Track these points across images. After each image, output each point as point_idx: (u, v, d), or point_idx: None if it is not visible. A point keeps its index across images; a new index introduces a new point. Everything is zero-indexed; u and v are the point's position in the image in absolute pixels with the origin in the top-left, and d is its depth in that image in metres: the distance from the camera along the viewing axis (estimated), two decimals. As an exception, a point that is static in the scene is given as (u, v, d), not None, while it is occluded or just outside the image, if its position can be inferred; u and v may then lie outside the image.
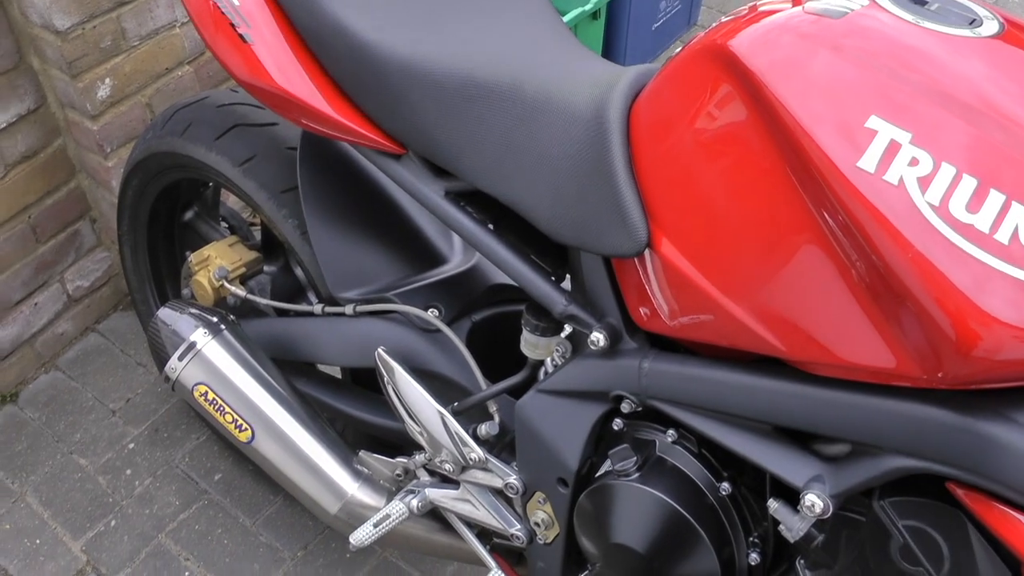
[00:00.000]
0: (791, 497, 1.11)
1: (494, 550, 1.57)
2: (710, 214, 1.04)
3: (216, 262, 1.80)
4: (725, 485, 1.20)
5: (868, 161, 0.87)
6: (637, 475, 1.23)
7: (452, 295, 1.55)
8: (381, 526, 1.47)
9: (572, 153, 1.15)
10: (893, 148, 0.88)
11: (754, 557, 1.20)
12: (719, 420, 1.14)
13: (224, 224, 2.09)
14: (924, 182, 0.86)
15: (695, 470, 1.22)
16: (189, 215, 2.07)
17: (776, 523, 1.14)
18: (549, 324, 1.32)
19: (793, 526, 1.11)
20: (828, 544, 1.11)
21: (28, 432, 2.35)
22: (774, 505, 1.12)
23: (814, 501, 1.04)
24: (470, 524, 1.54)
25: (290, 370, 1.76)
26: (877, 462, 1.00)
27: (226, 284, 1.77)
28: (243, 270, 1.80)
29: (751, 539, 1.21)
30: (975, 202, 0.85)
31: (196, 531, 2.12)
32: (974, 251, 0.84)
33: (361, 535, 1.46)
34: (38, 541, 2.14)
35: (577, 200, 1.15)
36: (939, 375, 0.90)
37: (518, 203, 1.23)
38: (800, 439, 1.10)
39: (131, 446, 2.29)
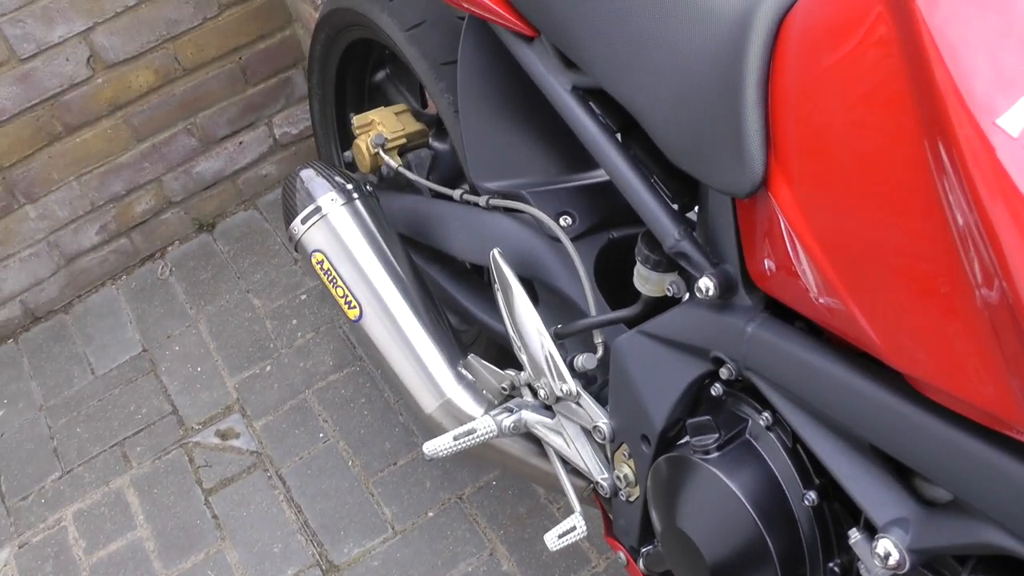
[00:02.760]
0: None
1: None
2: (831, 164, 0.82)
3: (377, 128, 1.70)
4: (812, 495, 0.99)
5: (1014, 119, 0.62)
6: (716, 455, 1.04)
7: (592, 204, 1.38)
8: (462, 440, 1.35)
9: (704, 54, 0.97)
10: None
11: (828, 587, 0.99)
12: (814, 417, 0.93)
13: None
14: None
15: (782, 468, 1.01)
16: (380, 76, 1.98)
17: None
18: (662, 258, 1.13)
19: (872, 568, 0.89)
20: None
21: (215, 263, 2.41)
22: (855, 536, 0.91)
23: (888, 550, 0.83)
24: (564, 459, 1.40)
25: (428, 256, 1.66)
26: (972, 527, 0.77)
27: (381, 153, 1.68)
28: (403, 141, 1.70)
29: (830, 566, 1.00)
30: None
31: (341, 395, 2.11)
32: None
33: (436, 445, 1.35)
34: (199, 369, 2.21)
35: (697, 112, 0.96)
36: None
37: (638, 108, 1.05)
38: (902, 471, 0.87)
39: (303, 297, 2.30)
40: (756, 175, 0.88)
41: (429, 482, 1.95)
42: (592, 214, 1.37)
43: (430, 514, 1.91)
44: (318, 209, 1.50)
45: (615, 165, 1.12)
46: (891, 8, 0.72)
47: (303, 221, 1.50)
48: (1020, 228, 0.61)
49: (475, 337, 1.81)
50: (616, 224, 1.37)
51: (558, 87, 1.17)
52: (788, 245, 0.89)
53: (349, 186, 1.53)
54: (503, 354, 1.56)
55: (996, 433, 0.73)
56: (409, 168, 1.70)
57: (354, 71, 1.97)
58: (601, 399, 1.27)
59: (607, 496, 1.29)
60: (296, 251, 1.55)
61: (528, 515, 1.89)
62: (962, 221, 0.66)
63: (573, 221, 1.36)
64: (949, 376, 0.72)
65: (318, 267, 1.50)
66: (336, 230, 1.49)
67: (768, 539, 0.99)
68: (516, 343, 1.32)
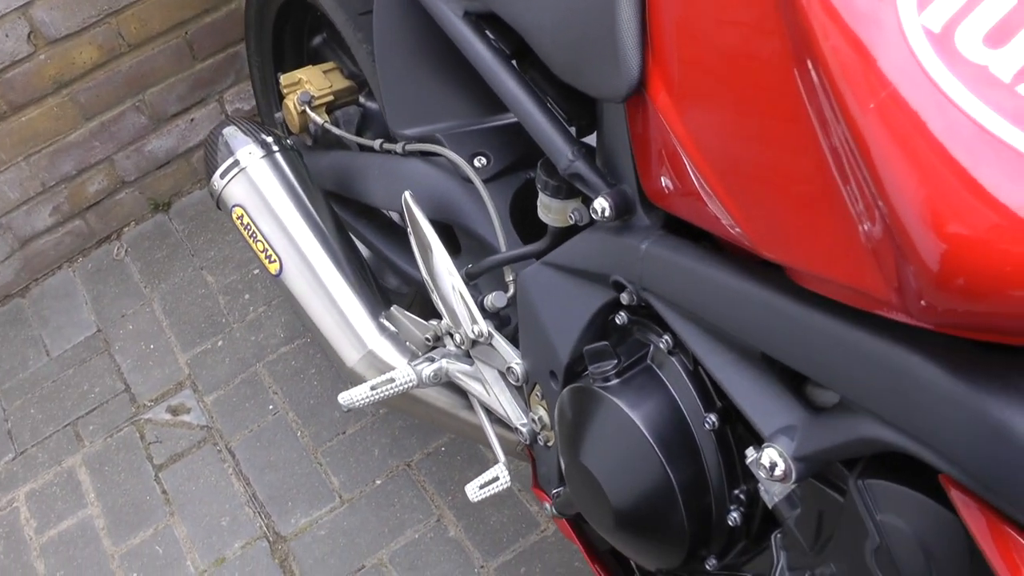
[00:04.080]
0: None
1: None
2: (706, 62, 0.79)
3: (304, 86, 1.67)
4: (712, 418, 0.94)
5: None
6: (615, 383, 1.00)
7: (507, 144, 1.34)
8: (380, 389, 1.32)
9: None
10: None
11: (734, 517, 0.95)
12: (707, 332, 0.89)
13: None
14: None
15: (683, 392, 0.97)
16: (318, 40, 1.94)
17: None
18: (561, 183, 1.09)
19: (769, 488, 0.85)
20: (802, 523, 0.85)
21: (170, 242, 2.38)
22: (752, 455, 0.86)
23: (774, 459, 0.79)
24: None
25: (357, 212, 1.62)
26: (852, 424, 0.73)
27: (308, 110, 1.64)
28: (331, 98, 1.67)
29: (735, 493, 0.95)
30: (999, 32, 0.55)
31: (291, 367, 2.08)
32: (978, 108, 0.55)
33: (353, 396, 1.31)
34: (152, 346, 2.18)
35: (577, 20, 0.93)
36: (921, 303, 0.61)
37: (525, 26, 1.01)
38: (796, 381, 0.83)
39: (255, 271, 2.26)
40: (632, 75, 0.84)
41: (378, 450, 1.91)
42: (507, 154, 1.33)
43: (378, 482, 1.87)
44: (236, 163, 1.46)
45: (508, 90, 1.08)
46: None
47: (222, 176, 1.47)
48: (863, 79, 0.57)
49: (411, 300, 1.77)
50: (533, 164, 1.33)
51: (450, 14, 1.14)
52: (673, 153, 0.85)
53: (268, 139, 1.49)
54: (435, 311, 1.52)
55: (872, 317, 0.69)
56: (337, 125, 1.66)
57: (291, 36, 1.93)
58: (516, 341, 1.23)
59: (527, 443, 1.26)
60: (218, 207, 1.52)
61: (477, 480, 1.84)
62: (814, 89, 0.63)
63: (488, 162, 1.32)
64: (818, 258, 0.69)
65: (238, 222, 1.46)
66: (255, 183, 1.46)
67: (668, 469, 0.95)
68: (430, 287, 1.28)
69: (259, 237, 1.44)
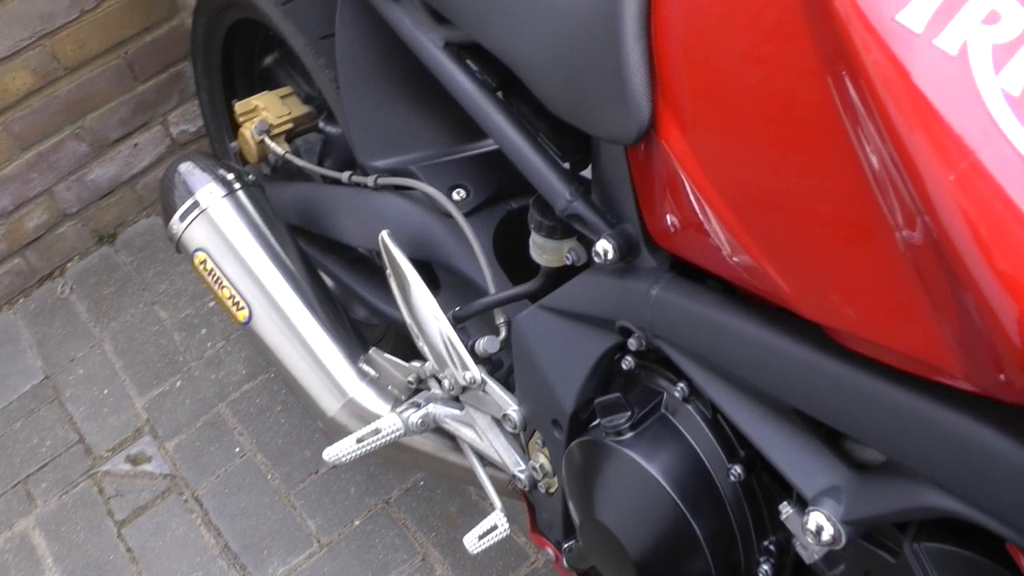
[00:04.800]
0: (812, 503, 0.79)
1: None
2: (725, 102, 0.72)
3: (261, 114, 1.58)
4: (737, 469, 0.88)
5: (914, 13, 0.52)
6: (630, 436, 0.93)
7: (487, 174, 1.27)
8: (367, 441, 1.24)
9: None
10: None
11: (765, 570, 0.89)
12: (732, 384, 0.83)
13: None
14: (1002, 54, 0.51)
15: (703, 442, 0.90)
16: (269, 60, 1.85)
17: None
18: (556, 223, 1.02)
19: (807, 545, 0.79)
20: (849, 581, 0.79)
21: (118, 276, 2.27)
22: (787, 511, 0.81)
23: (821, 524, 0.72)
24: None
25: (324, 247, 1.54)
26: (910, 490, 0.67)
27: (267, 140, 1.55)
28: (289, 126, 1.58)
29: (765, 544, 0.90)
30: None
31: (256, 405, 1.98)
32: None
33: (338, 451, 1.23)
34: (106, 391, 2.07)
35: (575, 55, 0.86)
36: (1000, 378, 0.55)
37: (514, 58, 0.94)
38: (830, 435, 0.77)
39: (211, 304, 2.16)
40: (642, 118, 0.78)
41: (353, 488, 1.83)
42: (487, 185, 1.26)
43: (356, 522, 1.79)
44: (196, 204, 1.37)
45: (497, 126, 1.01)
46: None
47: (181, 218, 1.38)
48: (938, 149, 0.50)
49: (383, 333, 1.69)
50: (515, 194, 1.26)
51: (430, 45, 1.06)
52: (686, 196, 0.79)
53: (229, 176, 1.40)
54: (413, 348, 1.44)
55: (927, 382, 0.63)
56: (298, 154, 1.58)
57: (240, 56, 1.84)
58: (509, 385, 1.16)
59: (526, 489, 1.19)
60: (179, 252, 1.42)
61: (459, 514, 1.77)
62: (873, 151, 0.56)
63: (467, 194, 1.25)
64: (870, 323, 0.62)
65: (201, 267, 1.37)
66: (217, 225, 1.37)
67: (694, 523, 0.89)
68: (414, 331, 1.20)
69: (225, 283, 1.34)
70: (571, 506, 1.05)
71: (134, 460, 1.95)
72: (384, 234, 1.19)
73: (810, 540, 0.74)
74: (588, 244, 1.03)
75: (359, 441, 1.24)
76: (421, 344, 1.20)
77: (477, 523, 1.73)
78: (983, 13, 0.51)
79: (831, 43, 0.56)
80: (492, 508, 1.25)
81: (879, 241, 0.59)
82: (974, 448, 0.60)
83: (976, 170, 0.49)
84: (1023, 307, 0.51)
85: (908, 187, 0.54)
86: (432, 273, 1.33)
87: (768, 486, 0.89)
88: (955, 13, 0.51)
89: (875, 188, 0.57)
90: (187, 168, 1.41)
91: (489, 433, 1.20)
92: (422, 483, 1.82)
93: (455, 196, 1.25)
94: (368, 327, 1.72)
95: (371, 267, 1.56)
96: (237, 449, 1.92)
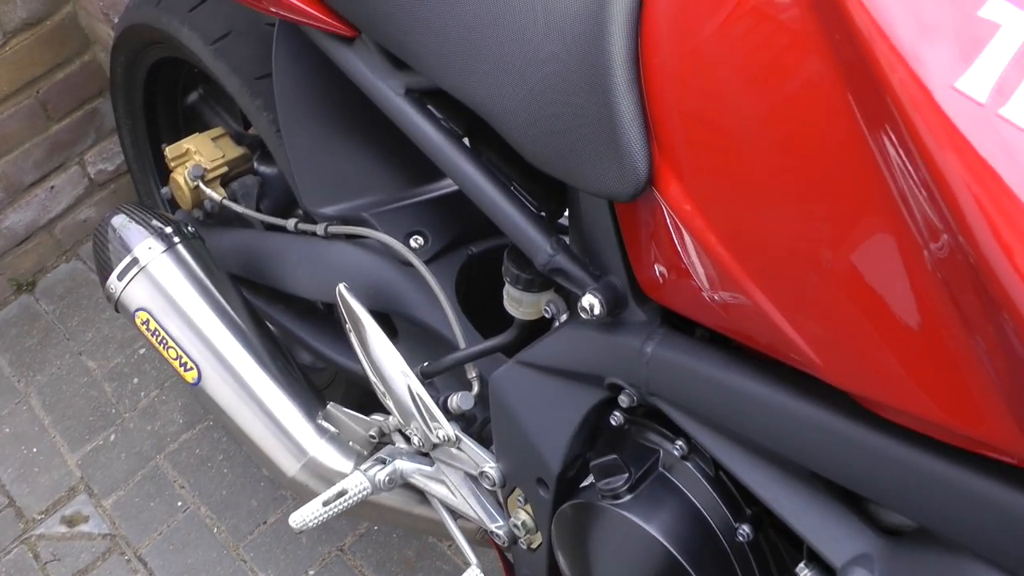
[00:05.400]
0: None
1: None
2: (732, 150, 0.68)
3: (194, 158, 1.50)
4: (745, 528, 0.85)
5: (976, 80, 0.49)
6: (628, 498, 0.89)
7: (444, 219, 1.22)
8: (334, 504, 1.18)
9: (557, 33, 0.81)
10: (1024, 57, 0.50)
11: (776, 631, 0.86)
12: (736, 443, 0.79)
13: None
14: None
15: (707, 502, 0.87)
16: (193, 97, 1.77)
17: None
18: (534, 276, 0.98)
19: (832, 607, 0.76)
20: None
21: (40, 326, 2.16)
22: (805, 574, 0.77)
23: (855, 597, 0.69)
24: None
25: (268, 297, 1.47)
26: (953, 563, 0.64)
27: (201, 186, 1.48)
28: (224, 169, 1.51)
29: (777, 604, 0.87)
30: None
31: (197, 455, 1.90)
32: None
33: (304, 516, 1.17)
34: (35, 450, 1.96)
35: (557, 105, 0.81)
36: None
37: (485, 106, 0.89)
38: (849, 495, 0.74)
39: (142, 351, 2.07)
40: (640, 174, 0.73)
41: (305, 537, 1.76)
42: (446, 230, 1.21)
43: (311, 573, 1.72)
44: (135, 261, 1.29)
45: (466, 176, 0.96)
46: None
47: (120, 276, 1.30)
48: (1015, 237, 0.47)
49: (331, 378, 1.63)
50: (474, 237, 1.22)
51: (388, 92, 1.01)
52: (687, 251, 0.75)
53: (168, 229, 1.32)
54: (368, 395, 1.38)
55: (972, 454, 0.60)
56: (235, 199, 1.51)
57: (163, 95, 1.76)
58: (484, 439, 1.12)
59: (504, 545, 1.14)
60: (117, 312, 1.34)
61: (417, 558, 1.72)
62: (909, 187, 0.53)
63: (425, 241, 1.20)
64: (912, 395, 0.59)
65: (144, 328, 1.29)
66: (159, 282, 1.29)
67: None
68: (379, 388, 1.15)
69: (170, 344, 1.27)
70: (563, 567, 1.01)
71: (70, 521, 1.84)
72: (342, 287, 1.13)
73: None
74: (567, 295, 0.99)
75: (325, 504, 1.18)
76: (387, 401, 1.15)
77: (437, 565, 1.71)
78: None
79: (876, 105, 0.53)
80: (467, 564, 1.20)
81: (930, 311, 0.56)
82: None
83: None
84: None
85: (961, 243, 0.50)
86: (389, 322, 1.27)
87: (775, 543, 0.86)
88: (1022, 80, 0.48)
89: (928, 261, 0.54)
90: (121, 222, 1.33)
91: (463, 489, 1.16)
92: (376, 528, 1.77)
93: (413, 243, 1.20)
94: (314, 371, 1.65)
95: (318, 314, 1.50)
96: (179, 503, 1.83)
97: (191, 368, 1.27)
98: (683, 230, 0.73)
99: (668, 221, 0.75)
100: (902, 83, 0.51)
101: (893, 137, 0.53)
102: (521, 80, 0.84)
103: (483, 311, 1.17)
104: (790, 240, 0.65)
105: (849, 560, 0.72)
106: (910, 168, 0.52)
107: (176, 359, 1.28)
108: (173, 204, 1.63)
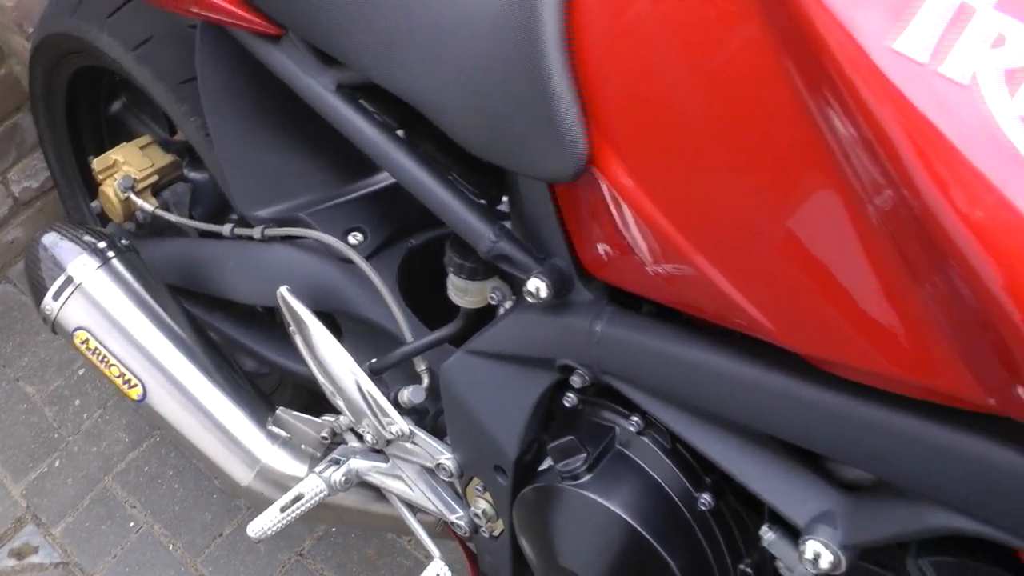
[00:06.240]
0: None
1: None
2: (672, 124, 0.68)
3: (123, 169, 1.47)
4: (706, 497, 0.86)
5: (913, 40, 0.50)
6: (588, 478, 0.89)
7: (382, 213, 1.21)
8: (291, 509, 1.16)
9: (487, 18, 0.81)
10: (961, 17, 0.50)
11: (745, 594, 0.87)
12: (692, 414, 0.80)
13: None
14: (1015, 78, 0.49)
15: (666, 474, 0.88)
16: (116, 107, 1.74)
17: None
18: (478, 264, 0.97)
19: (795, 568, 0.77)
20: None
21: (-28, 354, 2.10)
22: (770, 536, 0.79)
23: (818, 552, 0.70)
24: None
25: (208, 305, 1.45)
26: (914, 512, 0.66)
27: (132, 197, 1.45)
28: (155, 178, 1.48)
29: (741, 567, 0.88)
30: None
31: (145, 473, 1.86)
32: None
33: (263, 524, 1.15)
34: (-24, 482, 1.91)
35: (492, 92, 0.81)
36: (1018, 392, 0.54)
37: (418, 97, 0.89)
38: (808, 454, 0.75)
39: (81, 372, 2.02)
40: (579, 155, 0.73)
41: (263, 546, 1.74)
42: (385, 224, 1.20)
43: (273, 582, 1.70)
44: (70, 279, 1.26)
45: (403, 168, 0.95)
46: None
47: (55, 296, 1.27)
48: (958, 187, 0.48)
49: (277, 383, 1.61)
50: (413, 230, 1.21)
51: (319, 89, 1.00)
52: (630, 227, 0.75)
53: (101, 244, 1.29)
54: (317, 397, 1.37)
55: (927, 404, 0.62)
56: (168, 208, 1.48)
57: (86, 105, 1.71)
58: (438, 431, 1.11)
59: (466, 535, 1.14)
60: (55, 333, 1.31)
61: (379, 556, 1.71)
62: (851, 146, 0.53)
63: (364, 237, 1.19)
64: (865, 352, 0.60)
65: (83, 347, 1.26)
66: (96, 300, 1.26)
67: (668, 558, 0.87)
68: (328, 389, 1.14)
69: (111, 362, 1.24)
70: (527, 552, 1.01)
71: (19, 553, 1.80)
72: (283, 290, 1.12)
73: (809, 568, 0.72)
74: (512, 281, 0.99)
75: (283, 510, 1.17)
76: (337, 401, 1.14)
77: (399, 561, 1.70)
78: (990, 37, 0.49)
79: (814, 69, 0.53)
80: (429, 557, 1.20)
81: (878, 267, 0.57)
82: (986, 467, 0.59)
83: (1004, 205, 0.47)
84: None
85: (907, 200, 0.51)
86: (333, 321, 1.26)
87: (736, 508, 0.87)
88: (958, 38, 0.49)
89: (872, 216, 0.55)
90: (52, 240, 1.30)
91: (420, 483, 1.15)
92: (334, 529, 1.75)
93: (352, 240, 1.18)
94: (259, 377, 1.63)
95: (260, 319, 1.48)
96: (132, 523, 1.80)
97: (135, 384, 1.25)
98: (624, 207, 0.74)
99: (609, 199, 0.75)
100: (840, 46, 0.52)
101: (832, 100, 0.53)
102: (453, 67, 0.84)
103: (428, 303, 1.17)
104: (734, 208, 0.65)
105: (812, 518, 0.73)
106: (851, 128, 0.53)
107: (119, 376, 1.25)
108: (104, 218, 1.59)
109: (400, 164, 0.95)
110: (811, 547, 0.72)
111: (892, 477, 0.67)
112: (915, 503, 0.66)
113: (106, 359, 1.25)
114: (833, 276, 0.60)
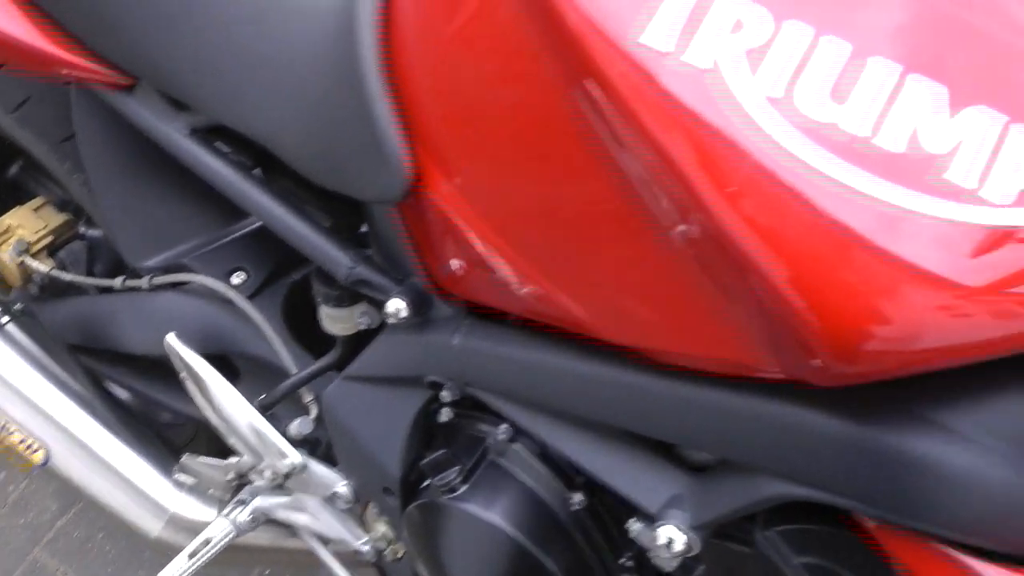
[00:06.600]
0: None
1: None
2: (484, 143, 0.71)
3: (17, 233, 1.47)
4: (578, 497, 0.88)
5: (659, 32, 0.53)
6: (464, 489, 0.91)
7: (262, 251, 1.22)
8: (201, 554, 1.17)
9: (313, 53, 0.84)
10: (700, 6, 0.53)
11: (630, 584, 0.89)
12: (553, 417, 0.83)
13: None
14: (756, 57, 0.52)
15: (538, 478, 0.90)
16: (14, 170, 1.73)
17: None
18: (342, 291, 0.99)
19: (661, 554, 0.79)
20: (708, 577, 0.80)
21: None
22: (635, 528, 0.81)
23: (671, 536, 0.73)
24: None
25: (112, 361, 1.45)
26: (750, 485, 0.69)
27: (27, 260, 1.45)
28: (50, 239, 1.48)
29: (621, 562, 0.90)
30: (843, 84, 0.51)
31: (75, 539, 1.85)
32: (844, 170, 0.51)
33: (172, 572, 1.16)
34: (-99, 573, 1.88)
35: (323, 122, 0.84)
36: (814, 363, 0.57)
37: (263, 134, 0.92)
38: (662, 445, 0.78)
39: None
40: (402, 175, 0.76)
41: (201, 599, 1.73)
42: (266, 261, 1.21)
43: (211, 634, 1.69)
44: (-41, 350, 1.27)
45: (260, 206, 0.98)
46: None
47: (-54, 370, 1.27)
48: (708, 163, 0.51)
49: (194, 432, 1.61)
50: (294, 264, 1.22)
51: (175, 134, 1.02)
52: (464, 240, 0.77)
53: (-7, 311, 1.30)
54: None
55: (745, 380, 0.64)
56: (64, 268, 1.48)
57: (-20, 173, 1.71)
58: (331, 460, 1.13)
59: (372, 561, 1.15)
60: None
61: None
62: (640, 168, 0.57)
63: (248, 275, 1.20)
64: (677, 338, 0.63)
65: (-22, 419, 1.27)
66: (-10, 368, 1.26)
67: (546, 561, 0.88)
68: (223, 429, 1.15)
69: (12, 428, 1.25)
70: (421, 570, 1.02)
71: (-49, 636, 1.78)
72: (169, 337, 1.12)
73: (663, 554, 0.75)
74: (379, 305, 1.01)
75: (192, 556, 1.17)
76: (232, 440, 1.15)
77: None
78: (729, 23, 0.52)
79: (574, 65, 0.56)
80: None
81: (665, 255, 0.60)
82: (801, 433, 0.62)
83: (753, 180, 0.50)
84: (817, 297, 0.52)
85: (689, 205, 0.54)
86: (231, 363, 1.27)
87: (611, 505, 0.89)
88: (698, 28, 0.52)
89: (651, 204, 0.58)
90: (-59, 311, 1.30)
91: (322, 514, 1.16)
92: (268, 572, 1.75)
93: (235, 280, 1.20)
94: (175, 428, 1.63)
95: (165, 369, 1.48)
96: (65, 591, 1.79)
97: (37, 449, 1.25)
98: (456, 221, 0.76)
99: (443, 215, 0.78)
100: (592, 42, 0.55)
101: (593, 94, 0.56)
102: (289, 101, 0.87)
103: (318, 335, 1.18)
104: (543, 217, 0.68)
105: (663, 504, 0.75)
106: (614, 120, 0.56)
107: (21, 442, 1.26)
108: (2, 284, 1.59)
109: (257, 202, 0.97)
110: (663, 532, 0.74)
111: (726, 453, 0.70)
112: (751, 476, 0.69)
113: (6, 427, 1.25)
114: (636, 275, 0.63)
